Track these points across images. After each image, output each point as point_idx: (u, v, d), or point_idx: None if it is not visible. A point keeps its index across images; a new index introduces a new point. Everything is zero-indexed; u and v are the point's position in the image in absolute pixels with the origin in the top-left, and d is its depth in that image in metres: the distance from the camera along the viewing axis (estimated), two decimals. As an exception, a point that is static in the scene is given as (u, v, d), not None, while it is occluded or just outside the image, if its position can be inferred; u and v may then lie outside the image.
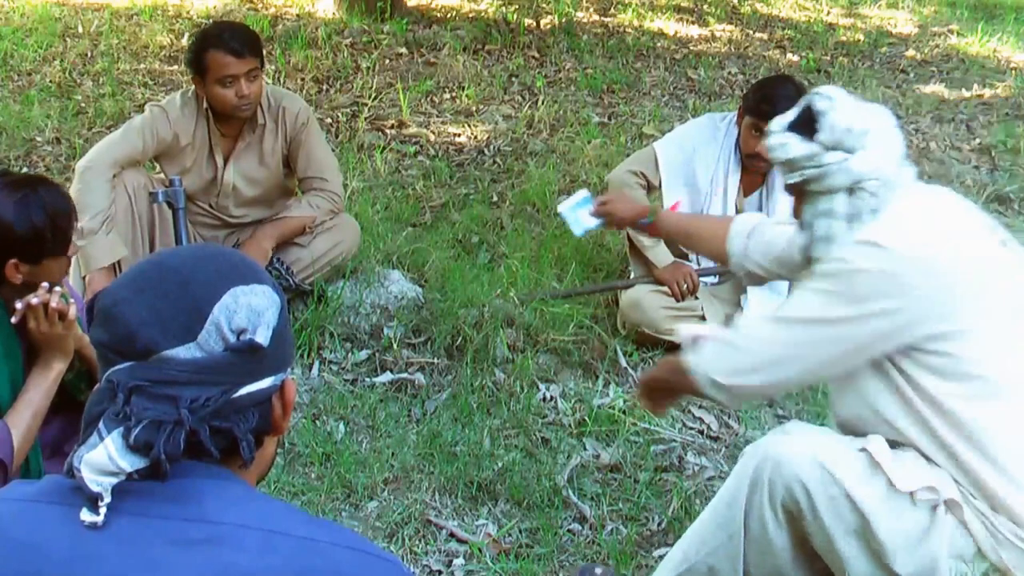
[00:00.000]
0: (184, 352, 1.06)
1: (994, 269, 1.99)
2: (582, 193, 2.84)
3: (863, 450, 1.96)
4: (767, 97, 3.30)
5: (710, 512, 2.13)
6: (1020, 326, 1.96)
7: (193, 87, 3.38)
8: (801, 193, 2.10)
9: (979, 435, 1.93)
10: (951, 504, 1.95)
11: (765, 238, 2.46)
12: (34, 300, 2.03)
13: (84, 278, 3.15)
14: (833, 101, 2.03)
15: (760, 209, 3.54)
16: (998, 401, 1.93)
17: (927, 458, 1.98)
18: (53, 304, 2.04)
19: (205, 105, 3.33)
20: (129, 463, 1.02)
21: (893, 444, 1.99)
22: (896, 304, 1.90)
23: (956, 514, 1.95)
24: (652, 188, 3.57)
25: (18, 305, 2.03)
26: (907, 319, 1.91)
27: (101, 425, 1.04)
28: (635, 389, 2.47)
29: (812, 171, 2.03)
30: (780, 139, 2.09)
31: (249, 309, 1.10)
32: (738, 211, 3.52)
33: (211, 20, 6.69)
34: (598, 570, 2.42)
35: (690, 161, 3.51)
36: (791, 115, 2.11)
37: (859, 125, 2.01)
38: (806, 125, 2.05)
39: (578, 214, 2.80)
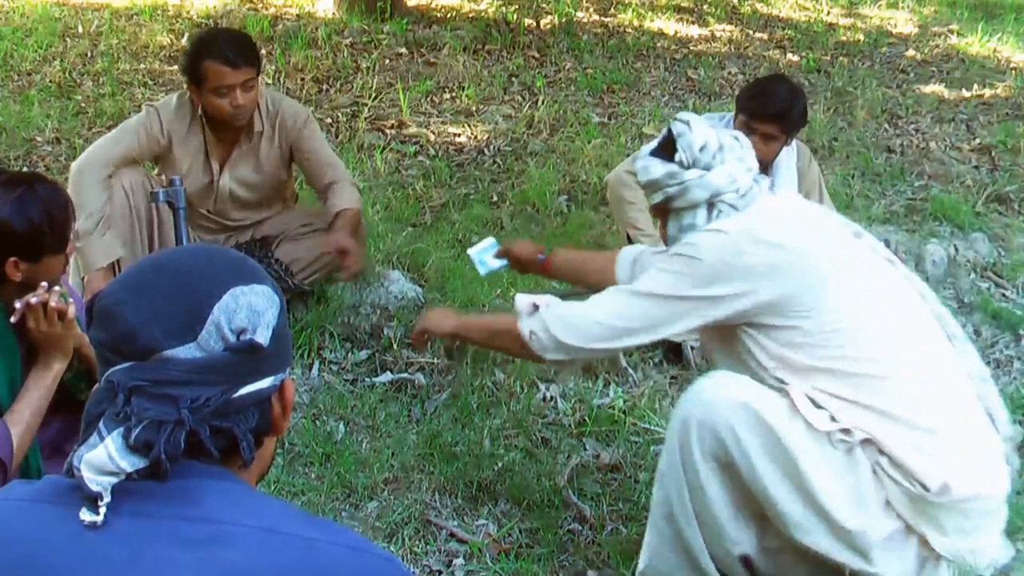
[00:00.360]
0: (184, 352, 1.06)
1: (842, 252, 2.16)
2: (489, 240, 3.03)
3: (784, 394, 2.07)
4: (757, 95, 3.33)
5: (659, 470, 2.22)
6: (871, 302, 2.12)
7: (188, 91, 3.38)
8: (666, 212, 2.28)
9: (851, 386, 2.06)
10: (866, 445, 2.05)
11: (648, 264, 2.60)
12: (33, 300, 2.03)
13: (83, 279, 3.15)
14: (687, 124, 2.23)
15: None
16: (857, 360, 2.06)
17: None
18: (52, 303, 2.04)
19: (200, 111, 3.31)
20: (129, 463, 1.03)
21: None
22: (740, 287, 2.08)
23: (869, 456, 2.05)
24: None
25: (17, 304, 2.03)
26: (752, 300, 2.08)
27: (101, 425, 1.04)
28: (416, 328, 2.64)
29: (673, 188, 2.22)
30: (643, 163, 2.27)
31: (249, 309, 1.10)
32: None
33: (211, 20, 6.70)
34: (592, 574, 2.43)
35: None
36: (654, 143, 2.31)
37: (712, 144, 2.21)
38: (666, 148, 2.25)
39: (484, 257, 2.97)
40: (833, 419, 2.05)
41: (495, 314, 2.38)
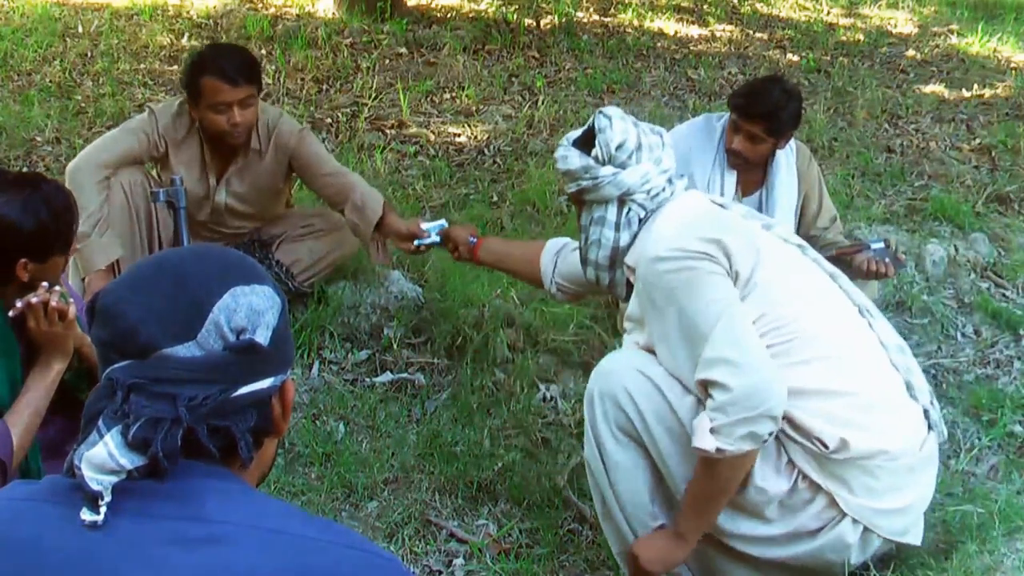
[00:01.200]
0: (183, 351, 1.06)
1: (749, 240, 2.20)
2: (441, 220, 3.15)
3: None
4: (746, 94, 3.34)
5: (585, 464, 2.29)
6: (776, 279, 2.16)
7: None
8: (580, 202, 2.35)
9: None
10: None
11: (570, 258, 2.69)
12: (34, 299, 2.03)
13: (83, 280, 3.14)
14: (610, 120, 2.29)
15: (760, 209, 3.54)
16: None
17: None
18: (53, 303, 2.04)
19: (198, 124, 3.27)
20: (129, 461, 1.03)
21: None
22: (713, 267, 2.11)
23: None
24: None
25: (18, 303, 2.03)
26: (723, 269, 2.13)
27: (100, 423, 1.04)
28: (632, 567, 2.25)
29: (587, 182, 2.28)
30: (563, 152, 2.33)
31: (249, 309, 1.10)
32: (735, 210, 3.54)
33: (211, 20, 6.69)
34: None
35: (686, 162, 3.50)
36: (577, 132, 2.36)
37: (630, 143, 2.26)
38: (588, 140, 2.31)
39: (431, 231, 3.09)
40: None
41: (690, 482, 2.10)
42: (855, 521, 2.09)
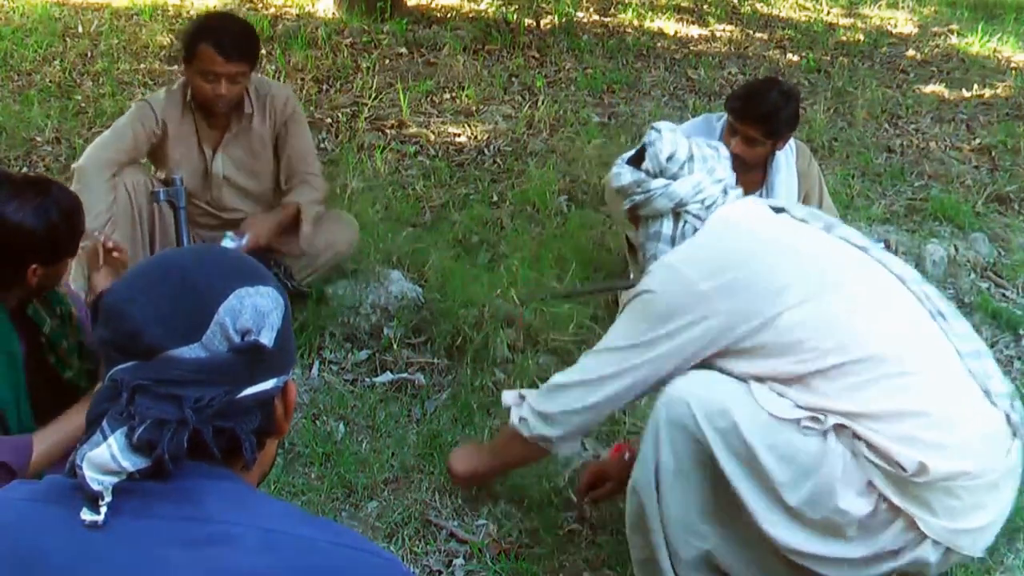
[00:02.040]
0: (188, 352, 1.06)
1: (807, 248, 2.14)
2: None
3: (748, 386, 2.08)
4: (743, 96, 3.34)
5: (629, 486, 2.23)
6: (842, 295, 2.08)
7: (178, 81, 3.39)
8: (635, 220, 2.32)
9: (825, 392, 2.03)
10: (840, 432, 2.02)
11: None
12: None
13: (88, 279, 3.14)
14: (659, 133, 2.26)
15: (760, 209, 3.54)
16: (828, 358, 2.03)
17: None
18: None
19: (189, 97, 3.31)
20: (131, 463, 1.03)
21: None
22: (696, 315, 2.07)
23: (845, 442, 2.03)
24: None
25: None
26: (712, 326, 2.06)
27: (104, 424, 1.04)
28: (453, 477, 2.66)
29: (639, 197, 2.26)
30: (616, 170, 2.31)
31: (254, 310, 1.10)
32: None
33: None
34: None
35: None
36: (630, 152, 2.34)
37: (681, 153, 2.23)
38: (637, 158, 2.28)
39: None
40: (799, 407, 2.04)
41: (492, 441, 2.46)
42: (936, 542, 2.03)
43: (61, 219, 2.06)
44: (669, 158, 2.23)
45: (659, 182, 2.23)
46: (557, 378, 2.27)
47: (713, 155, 2.27)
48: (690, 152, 2.24)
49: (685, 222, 2.24)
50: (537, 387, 3.17)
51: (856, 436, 2.02)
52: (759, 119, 3.28)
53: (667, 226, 2.25)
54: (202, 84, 3.20)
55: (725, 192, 2.26)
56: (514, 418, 2.30)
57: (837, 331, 2.04)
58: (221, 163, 3.41)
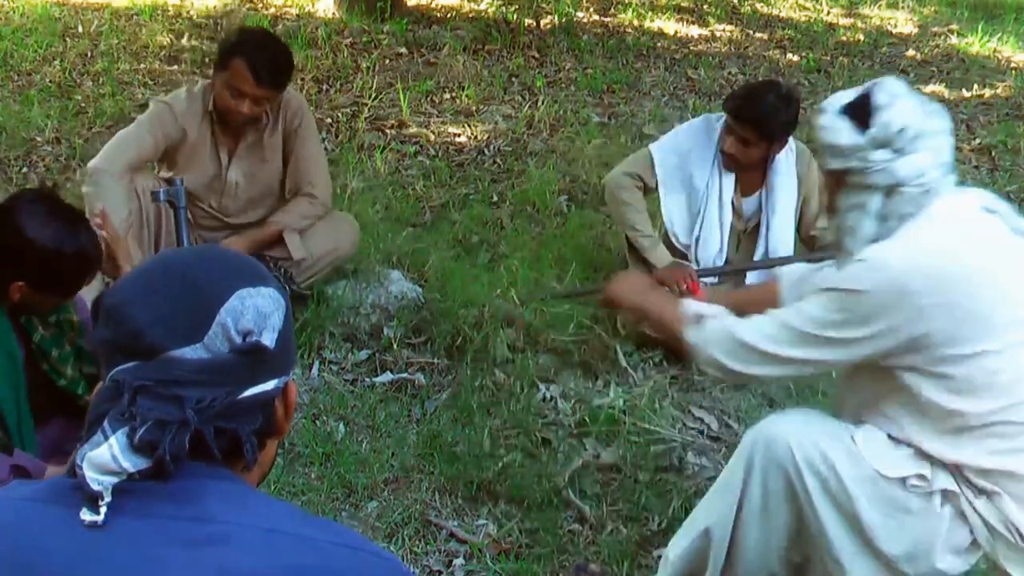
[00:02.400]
0: (190, 353, 1.06)
1: (1008, 281, 1.98)
2: None
3: (852, 437, 2.01)
4: (740, 97, 3.35)
5: (714, 487, 2.20)
6: None
7: (199, 84, 3.39)
8: (839, 182, 2.06)
9: (988, 438, 1.95)
10: (948, 494, 1.97)
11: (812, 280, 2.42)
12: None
13: (107, 283, 3.14)
14: (894, 97, 1.99)
15: (760, 210, 3.55)
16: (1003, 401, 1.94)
17: (927, 454, 2.00)
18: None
19: (210, 105, 3.32)
20: (132, 464, 1.02)
21: (892, 437, 2.03)
22: (896, 323, 1.92)
23: (954, 504, 1.98)
24: (648, 190, 3.58)
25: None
26: (916, 339, 1.92)
27: (106, 424, 1.04)
28: (604, 292, 2.56)
29: (855, 163, 2.00)
30: (831, 121, 2.03)
31: (256, 311, 1.09)
32: (735, 211, 3.54)
33: (211, 20, 6.69)
34: (593, 567, 2.43)
35: (685, 163, 3.51)
36: (848, 97, 2.05)
37: (913, 128, 1.97)
38: (861, 115, 2.00)
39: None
40: (911, 458, 1.99)
41: (673, 303, 2.32)
42: None
43: (73, 256, 2.07)
44: (900, 131, 1.96)
45: (882, 155, 1.97)
46: (746, 333, 2.09)
47: (941, 130, 2.01)
48: (921, 127, 1.98)
49: (896, 203, 1.99)
50: (537, 387, 3.20)
51: (986, 495, 1.97)
52: (754, 121, 3.28)
53: (876, 201, 2.00)
54: (225, 95, 3.22)
55: (945, 176, 2.03)
56: (687, 337, 2.18)
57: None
58: (235, 171, 3.43)
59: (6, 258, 2.04)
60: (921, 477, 1.96)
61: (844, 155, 2.01)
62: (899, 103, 1.98)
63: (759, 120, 3.27)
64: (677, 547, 2.22)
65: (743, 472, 2.08)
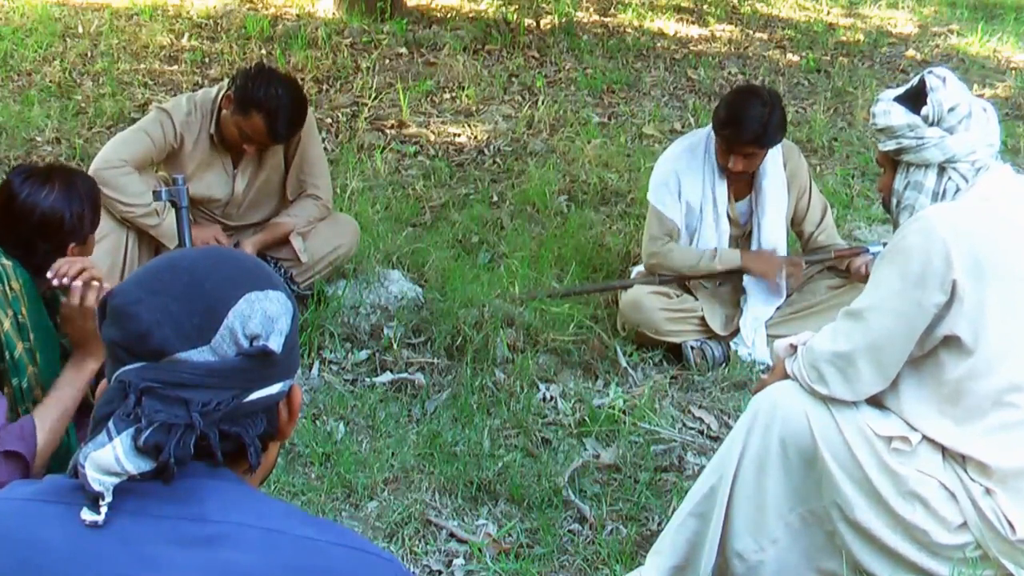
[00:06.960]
0: (197, 355, 1.06)
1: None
2: None
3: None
4: (730, 122, 3.32)
5: (711, 461, 2.24)
6: None
7: (199, 93, 3.39)
8: (894, 163, 2.19)
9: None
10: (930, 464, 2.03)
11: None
12: (77, 282, 2.10)
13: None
14: (943, 81, 2.12)
15: (751, 213, 3.56)
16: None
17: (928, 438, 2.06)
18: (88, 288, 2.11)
19: (212, 127, 3.31)
20: (135, 466, 1.02)
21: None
22: (944, 278, 1.97)
23: (942, 482, 2.03)
24: (675, 234, 3.57)
25: (50, 275, 2.11)
26: (956, 294, 1.97)
27: (111, 425, 1.04)
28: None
29: (909, 141, 2.13)
30: (885, 107, 2.17)
31: (264, 315, 1.09)
32: (730, 218, 3.55)
33: (211, 20, 6.69)
34: None
35: (679, 191, 3.52)
36: (898, 90, 2.20)
37: (963, 107, 2.11)
38: (914, 98, 2.14)
39: None
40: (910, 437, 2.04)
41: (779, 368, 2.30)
42: None
43: (84, 201, 2.25)
44: (951, 109, 2.10)
45: (935, 131, 2.10)
46: (818, 343, 2.13)
47: (985, 116, 2.16)
48: (971, 108, 2.12)
49: (949, 178, 2.12)
50: (537, 387, 3.20)
51: (987, 490, 2.01)
52: (752, 141, 3.30)
53: (931, 178, 2.12)
54: (236, 135, 3.25)
55: (995, 156, 2.16)
56: (789, 369, 2.20)
57: None
58: (238, 178, 3.43)
59: (50, 239, 2.20)
60: (904, 440, 2.02)
61: (898, 134, 2.14)
62: (949, 85, 2.12)
63: (757, 137, 3.29)
64: (662, 541, 2.27)
65: (742, 437, 2.14)
